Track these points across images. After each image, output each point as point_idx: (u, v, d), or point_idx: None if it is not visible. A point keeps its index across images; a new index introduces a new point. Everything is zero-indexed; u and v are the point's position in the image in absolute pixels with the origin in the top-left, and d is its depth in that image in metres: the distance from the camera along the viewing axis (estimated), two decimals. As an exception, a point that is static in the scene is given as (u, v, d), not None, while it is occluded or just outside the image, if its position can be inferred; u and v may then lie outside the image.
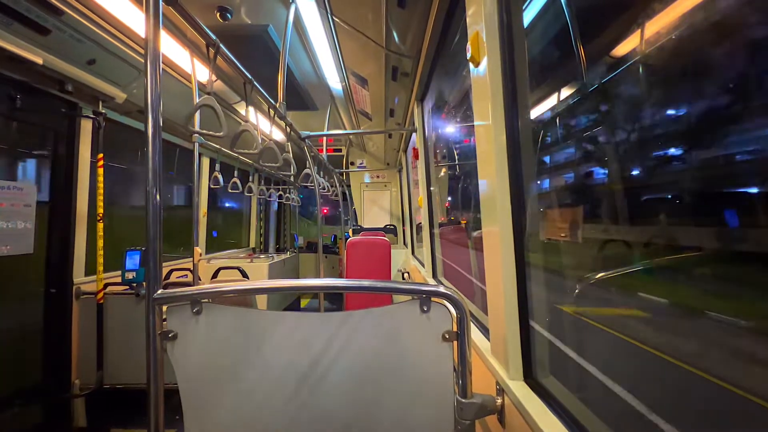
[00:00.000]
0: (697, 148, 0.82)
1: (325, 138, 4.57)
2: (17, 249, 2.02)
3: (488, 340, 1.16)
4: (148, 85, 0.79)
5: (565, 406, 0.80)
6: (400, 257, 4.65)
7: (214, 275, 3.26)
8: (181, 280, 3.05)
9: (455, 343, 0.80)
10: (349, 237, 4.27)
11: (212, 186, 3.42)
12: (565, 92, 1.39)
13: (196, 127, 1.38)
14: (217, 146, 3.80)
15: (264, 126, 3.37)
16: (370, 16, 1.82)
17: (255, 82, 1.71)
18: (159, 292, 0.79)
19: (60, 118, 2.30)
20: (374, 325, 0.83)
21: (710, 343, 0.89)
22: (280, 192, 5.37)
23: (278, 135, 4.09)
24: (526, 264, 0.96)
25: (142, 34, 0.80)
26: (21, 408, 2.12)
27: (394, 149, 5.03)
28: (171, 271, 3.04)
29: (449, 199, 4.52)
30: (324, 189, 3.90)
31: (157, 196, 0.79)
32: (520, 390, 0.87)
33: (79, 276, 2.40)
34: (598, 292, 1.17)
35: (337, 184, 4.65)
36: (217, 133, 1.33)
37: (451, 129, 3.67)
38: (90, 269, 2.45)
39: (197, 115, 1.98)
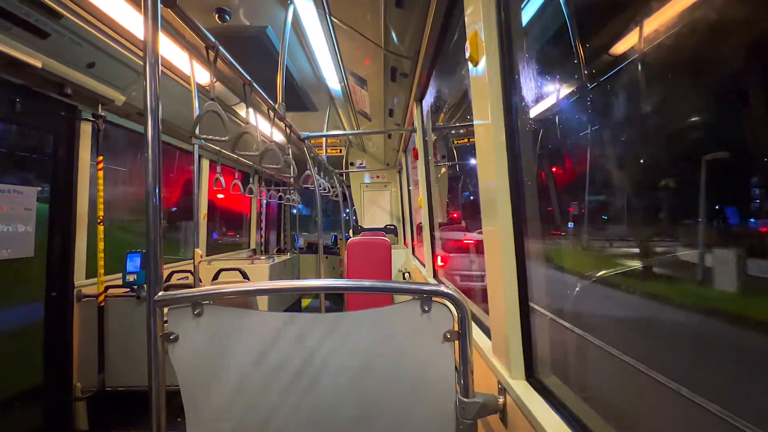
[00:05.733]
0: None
1: (324, 139, 4.57)
2: (18, 252, 2.02)
3: (489, 339, 1.16)
4: (147, 87, 0.79)
5: (567, 405, 0.80)
6: (401, 257, 4.65)
7: (215, 277, 3.27)
8: (181, 281, 3.05)
9: (456, 342, 0.80)
10: (350, 237, 4.28)
11: (215, 188, 3.42)
12: (565, 90, 1.39)
13: (199, 132, 1.39)
14: (217, 148, 3.80)
15: (263, 127, 3.37)
16: (369, 16, 1.82)
17: (254, 84, 1.71)
18: (160, 294, 0.79)
19: (59, 121, 2.30)
20: (375, 326, 0.83)
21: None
22: (281, 193, 5.37)
23: (278, 136, 4.09)
24: (527, 262, 0.96)
25: (141, 37, 0.81)
26: (22, 411, 2.12)
27: (393, 149, 5.04)
28: (172, 273, 3.05)
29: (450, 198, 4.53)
30: (324, 190, 3.90)
31: (158, 199, 0.79)
32: (522, 389, 0.87)
33: (79, 279, 2.40)
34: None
35: (337, 185, 4.65)
36: (222, 138, 1.34)
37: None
38: (90, 272, 2.45)
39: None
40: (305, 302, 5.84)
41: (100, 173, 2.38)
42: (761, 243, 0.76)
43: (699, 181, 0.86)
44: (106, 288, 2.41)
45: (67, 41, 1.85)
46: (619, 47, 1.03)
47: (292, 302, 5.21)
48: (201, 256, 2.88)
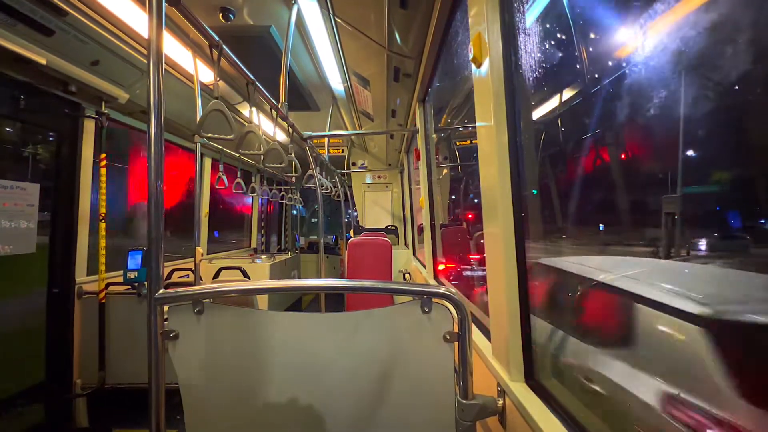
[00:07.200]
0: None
1: (327, 138, 4.57)
2: (20, 248, 2.03)
3: (489, 341, 1.15)
4: (150, 85, 0.79)
5: (566, 408, 0.80)
6: (402, 258, 4.65)
7: (216, 275, 3.27)
8: (182, 280, 3.06)
9: (456, 344, 0.80)
10: (351, 237, 4.28)
11: (217, 186, 3.42)
12: (568, 93, 1.39)
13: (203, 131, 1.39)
14: (219, 146, 3.81)
15: (266, 126, 3.37)
16: (372, 16, 1.82)
17: (257, 83, 1.71)
18: (160, 291, 0.79)
19: (63, 119, 2.31)
20: (375, 326, 0.83)
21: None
22: (283, 193, 5.38)
23: (280, 136, 4.10)
24: (527, 264, 0.96)
25: (146, 35, 0.81)
26: (23, 407, 2.12)
27: (395, 150, 5.03)
28: (173, 271, 3.05)
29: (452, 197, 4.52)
30: (326, 190, 3.91)
31: (159, 197, 0.79)
32: (521, 391, 0.87)
33: (81, 276, 2.40)
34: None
35: (339, 185, 4.65)
36: (227, 137, 1.34)
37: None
38: (92, 269, 2.46)
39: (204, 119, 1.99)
40: (305, 301, 5.84)
41: (103, 170, 2.39)
42: None
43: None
44: (107, 285, 2.41)
45: (72, 38, 1.86)
46: (625, 49, 1.03)
47: (292, 301, 5.21)
48: (202, 255, 2.89)
